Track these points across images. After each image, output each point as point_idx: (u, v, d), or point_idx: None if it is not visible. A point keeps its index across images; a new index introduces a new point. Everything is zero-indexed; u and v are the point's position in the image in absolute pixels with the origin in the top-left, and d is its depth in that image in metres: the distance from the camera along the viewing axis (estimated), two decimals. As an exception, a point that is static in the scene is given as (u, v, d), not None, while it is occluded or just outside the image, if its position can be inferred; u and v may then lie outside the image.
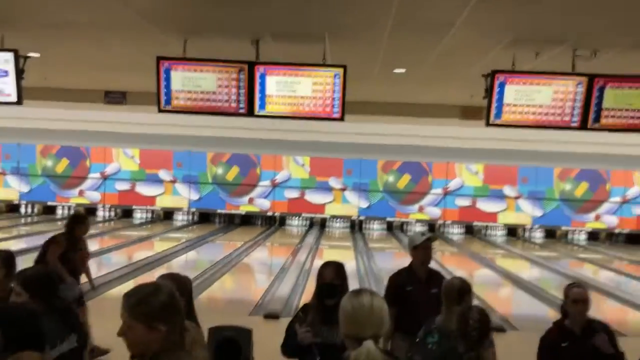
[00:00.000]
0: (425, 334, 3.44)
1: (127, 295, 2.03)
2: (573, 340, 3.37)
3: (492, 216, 17.89)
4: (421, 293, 4.26)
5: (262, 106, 6.67)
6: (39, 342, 2.42)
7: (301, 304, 3.90)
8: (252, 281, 10.72)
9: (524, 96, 6.53)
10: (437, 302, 4.05)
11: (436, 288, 4.25)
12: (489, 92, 6.55)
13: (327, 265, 3.42)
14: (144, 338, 1.97)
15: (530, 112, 6.58)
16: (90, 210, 18.19)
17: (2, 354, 2.31)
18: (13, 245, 11.96)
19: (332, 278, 3.33)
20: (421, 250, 4.35)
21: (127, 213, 18.30)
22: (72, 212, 18.19)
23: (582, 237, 17.91)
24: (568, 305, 3.44)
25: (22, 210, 18.29)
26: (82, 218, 6.09)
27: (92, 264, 10.86)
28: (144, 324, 1.97)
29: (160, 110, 6.81)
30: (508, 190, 17.83)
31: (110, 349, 5.42)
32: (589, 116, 6.52)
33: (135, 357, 2.02)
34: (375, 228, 18.10)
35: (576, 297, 3.40)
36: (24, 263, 3.53)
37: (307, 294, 8.76)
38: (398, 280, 4.39)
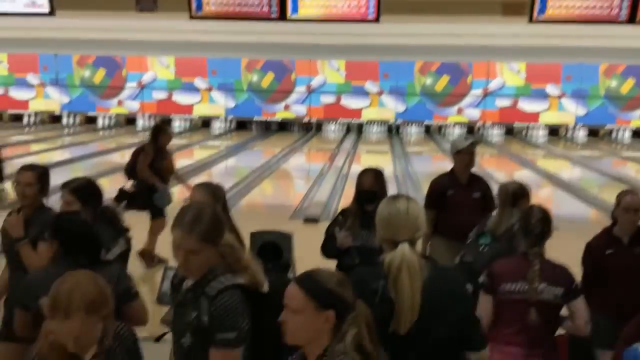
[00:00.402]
0: (478, 235, 3.49)
1: (190, 222, 2.02)
2: (619, 248, 3.36)
3: (534, 116, 17.54)
4: (462, 197, 4.27)
5: (295, 10, 6.52)
6: (96, 247, 2.55)
7: (339, 208, 3.97)
8: (291, 187, 10.89)
9: (570, -11, 6.21)
10: (479, 206, 4.08)
11: (478, 192, 4.27)
12: (532, -14, 6.24)
13: (366, 172, 3.44)
14: (210, 259, 2.04)
15: (575, 6, 6.28)
16: (130, 120, 18.48)
17: (63, 261, 2.44)
18: (57, 156, 12.34)
19: (370, 185, 3.35)
20: (464, 155, 4.31)
21: (166, 122, 18.51)
22: (112, 121, 18.51)
23: (626, 136, 17.50)
24: (618, 212, 3.37)
25: (64, 121, 18.68)
26: (164, 128, 6.17)
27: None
28: (213, 245, 2.04)
29: (191, 17, 6.73)
30: (551, 89, 17.35)
31: (167, 259, 5.65)
32: (638, 9, 6.19)
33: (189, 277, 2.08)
34: (413, 132, 17.97)
35: (628, 205, 3.33)
36: (70, 173, 3.65)
37: (346, 199, 8.89)
38: (439, 185, 4.38)
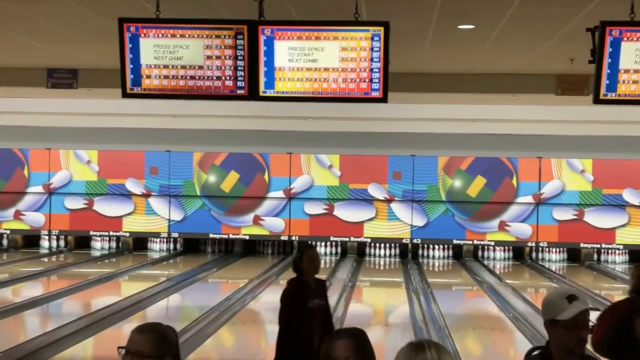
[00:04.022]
0: None
1: None
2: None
3: (608, 234, 17.67)
4: None
5: (270, 84, 6.69)
6: None
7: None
8: (261, 336, 10.74)
9: (649, 58, 6.46)
10: None
11: None
12: (597, 53, 6.48)
13: (338, 336, 3.24)
14: None
15: (659, 79, 6.51)
16: (31, 238, 18.40)
17: None
18: None
19: (347, 357, 3.11)
20: (572, 331, 3.39)
21: (83, 242, 18.44)
22: (5, 241, 18.37)
23: None
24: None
25: None
26: None
27: (34, 314, 11.03)
28: None
29: (125, 95, 6.88)
30: (630, 196, 17.60)
31: None
32: None
33: None
34: (437, 255, 17.98)
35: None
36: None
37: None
38: None
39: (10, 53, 11.20)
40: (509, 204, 17.76)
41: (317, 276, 6.13)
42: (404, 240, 17.96)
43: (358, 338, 3.12)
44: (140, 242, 18.40)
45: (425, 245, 18.09)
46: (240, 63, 6.68)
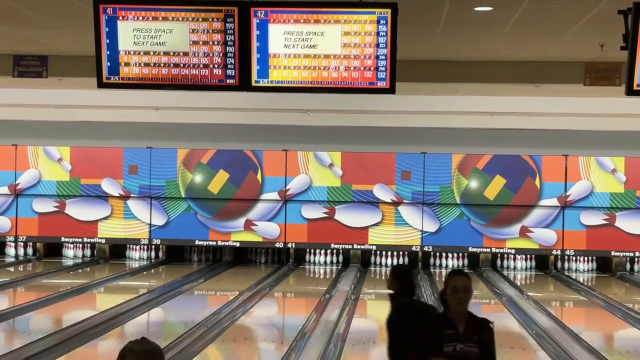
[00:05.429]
0: None
1: None
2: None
3: (642, 241, 17.67)
4: None
5: (264, 73, 6.69)
6: None
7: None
8: (254, 354, 10.74)
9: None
10: None
11: None
12: (630, 38, 6.49)
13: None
14: None
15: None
16: (-5, 245, 18.40)
17: None
18: None
19: None
20: None
21: (53, 249, 18.42)
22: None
23: None
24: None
25: None
26: None
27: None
28: None
29: (101, 85, 6.88)
30: (666, 199, 17.60)
31: None
32: None
33: None
34: (451, 265, 17.94)
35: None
36: None
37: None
38: None
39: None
40: (532, 208, 17.74)
41: (479, 315, 5.30)
42: (414, 248, 17.95)
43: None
44: (117, 249, 18.38)
45: (438, 254, 18.07)
46: (230, 49, 6.68)
